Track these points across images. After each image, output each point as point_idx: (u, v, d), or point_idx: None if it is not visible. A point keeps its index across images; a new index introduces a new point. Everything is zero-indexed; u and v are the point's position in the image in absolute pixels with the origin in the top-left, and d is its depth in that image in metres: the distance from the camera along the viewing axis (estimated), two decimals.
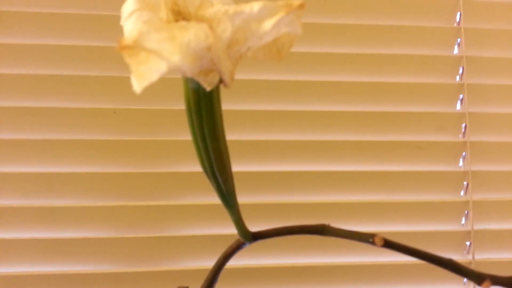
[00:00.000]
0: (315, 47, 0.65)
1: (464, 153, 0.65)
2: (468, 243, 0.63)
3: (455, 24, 0.68)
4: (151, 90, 0.61)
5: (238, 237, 0.63)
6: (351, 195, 0.63)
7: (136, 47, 0.18)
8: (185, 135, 0.62)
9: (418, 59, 0.66)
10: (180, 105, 0.63)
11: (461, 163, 0.66)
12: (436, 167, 0.65)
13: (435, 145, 0.65)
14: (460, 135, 0.66)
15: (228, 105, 0.53)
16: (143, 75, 0.18)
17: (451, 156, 0.65)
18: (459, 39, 0.67)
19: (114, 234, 0.58)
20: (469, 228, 0.63)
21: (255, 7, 0.21)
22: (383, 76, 0.65)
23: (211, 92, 0.27)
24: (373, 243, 0.35)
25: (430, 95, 0.66)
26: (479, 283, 0.31)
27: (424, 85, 0.66)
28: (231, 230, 0.59)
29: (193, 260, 0.58)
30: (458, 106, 0.67)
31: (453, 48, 0.68)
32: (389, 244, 0.35)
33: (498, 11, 0.67)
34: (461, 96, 0.66)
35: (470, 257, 0.63)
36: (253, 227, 0.36)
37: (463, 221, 0.65)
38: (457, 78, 0.67)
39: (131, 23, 0.21)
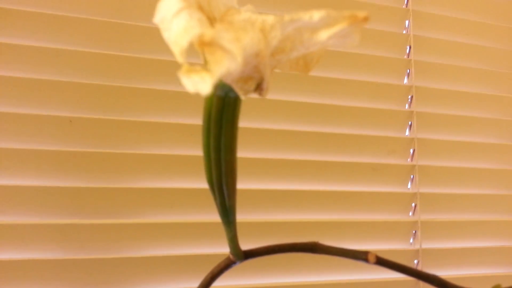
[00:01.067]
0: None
1: (412, 175, 0.70)
2: (416, 261, 0.67)
3: (405, 56, 0.73)
4: (110, 97, 0.57)
5: (205, 258, 0.61)
6: (310, 214, 0.64)
7: (213, 44, 0.17)
8: (145, 149, 0.59)
9: (373, 86, 0.70)
10: (142, 116, 0.60)
11: (409, 185, 0.70)
12: (387, 188, 0.69)
13: (387, 167, 0.68)
14: (408, 159, 0.71)
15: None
16: (218, 74, 0.17)
17: (401, 178, 0.69)
18: (408, 70, 0.72)
19: (63, 255, 0.53)
20: (417, 247, 0.67)
21: (316, 15, 0.20)
22: (343, 100, 0.68)
23: (236, 101, 0.26)
24: (366, 260, 0.36)
25: (383, 120, 0.70)
26: None
27: (378, 111, 0.70)
28: (193, 250, 0.57)
29: (153, 283, 0.55)
30: (407, 132, 0.72)
31: (404, 78, 0.73)
32: (381, 261, 0.36)
33: (445, 46, 0.74)
34: (410, 122, 0.71)
35: None
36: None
37: (411, 240, 0.69)
38: (407, 106, 0.72)
39: (183, 20, 0.20)
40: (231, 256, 0.36)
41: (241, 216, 0.61)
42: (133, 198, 0.56)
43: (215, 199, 0.31)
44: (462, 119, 0.73)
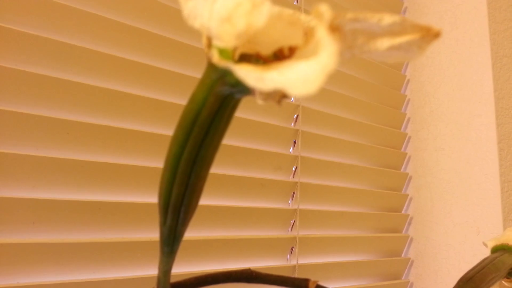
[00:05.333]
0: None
1: (293, 192, 0.71)
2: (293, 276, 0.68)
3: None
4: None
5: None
6: (203, 231, 0.59)
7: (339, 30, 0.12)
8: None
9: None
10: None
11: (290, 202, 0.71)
12: (271, 204, 0.69)
13: (274, 183, 0.68)
14: (291, 176, 0.72)
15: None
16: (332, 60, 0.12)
17: (284, 195, 0.70)
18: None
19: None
20: (294, 262, 0.69)
21: (387, 19, 0.17)
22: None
23: (234, 105, 0.21)
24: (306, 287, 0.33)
25: (270, 136, 0.70)
26: None
27: (266, 126, 0.69)
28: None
29: None
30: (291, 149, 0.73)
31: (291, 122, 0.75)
32: None
33: (327, 121, 0.79)
34: (294, 140, 0.73)
35: None
36: None
37: (288, 256, 0.70)
38: (292, 124, 0.74)
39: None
40: None
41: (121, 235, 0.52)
42: None
43: (163, 223, 0.25)
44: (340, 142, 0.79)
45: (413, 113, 0.97)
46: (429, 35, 0.18)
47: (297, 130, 0.73)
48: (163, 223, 0.25)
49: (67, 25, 0.51)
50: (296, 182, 0.71)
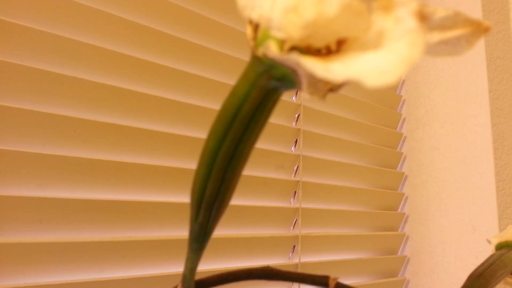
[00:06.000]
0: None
1: (295, 191, 0.71)
2: None
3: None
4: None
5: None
6: None
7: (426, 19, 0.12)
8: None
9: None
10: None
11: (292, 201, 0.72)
12: (273, 203, 0.69)
13: (276, 182, 0.68)
14: (292, 175, 0.72)
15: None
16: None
17: (286, 194, 0.70)
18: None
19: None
20: (296, 261, 0.69)
21: (441, 13, 0.17)
22: None
23: (276, 100, 0.21)
24: (326, 285, 0.33)
25: (273, 135, 0.70)
26: None
27: (268, 126, 0.69)
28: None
29: None
30: (293, 148, 0.73)
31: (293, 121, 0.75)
32: (340, 286, 0.34)
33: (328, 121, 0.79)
34: (295, 139, 0.73)
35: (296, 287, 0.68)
36: None
37: (290, 255, 0.70)
38: (294, 123, 0.74)
39: None
40: None
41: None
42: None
43: (194, 219, 0.25)
44: (340, 142, 0.80)
45: (408, 113, 0.98)
46: (479, 29, 0.18)
47: (299, 129, 0.73)
48: (194, 219, 0.24)
49: (76, 22, 0.51)
50: (298, 181, 0.71)
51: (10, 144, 0.45)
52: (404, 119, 0.99)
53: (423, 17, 0.13)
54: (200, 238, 0.25)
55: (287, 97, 0.74)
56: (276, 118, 0.71)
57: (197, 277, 0.31)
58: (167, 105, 0.57)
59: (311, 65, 0.14)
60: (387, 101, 0.96)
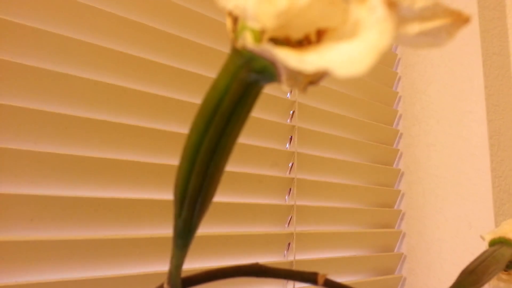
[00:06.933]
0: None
1: (290, 188, 0.71)
2: None
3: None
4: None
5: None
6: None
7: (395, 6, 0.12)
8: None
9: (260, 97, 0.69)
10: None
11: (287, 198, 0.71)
12: (268, 200, 0.69)
13: (270, 179, 0.68)
14: (287, 172, 0.72)
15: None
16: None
17: (280, 191, 0.70)
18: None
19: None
20: (291, 258, 0.68)
21: (420, 3, 0.17)
22: None
23: (257, 93, 0.20)
24: (315, 282, 0.33)
25: (267, 132, 0.70)
26: None
27: (262, 123, 0.69)
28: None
29: None
30: (287, 145, 0.73)
31: (288, 118, 0.75)
32: (328, 283, 0.34)
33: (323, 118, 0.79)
34: (290, 136, 0.73)
35: (290, 285, 0.68)
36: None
37: (285, 253, 0.69)
38: (288, 120, 0.74)
39: None
40: (166, 287, 0.28)
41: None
42: None
43: (178, 215, 0.24)
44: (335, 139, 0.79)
45: (404, 110, 0.98)
46: (460, 20, 0.18)
47: (293, 126, 0.73)
48: (178, 216, 0.24)
49: (67, 18, 0.50)
50: (293, 178, 0.71)
51: (1, 142, 0.45)
52: (400, 116, 0.98)
53: (391, 4, 0.13)
54: (184, 235, 0.25)
55: (282, 94, 0.74)
56: (270, 115, 0.71)
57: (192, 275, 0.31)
58: (161, 102, 0.57)
59: (283, 55, 0.14)
60: (383, 98, 0.95)
